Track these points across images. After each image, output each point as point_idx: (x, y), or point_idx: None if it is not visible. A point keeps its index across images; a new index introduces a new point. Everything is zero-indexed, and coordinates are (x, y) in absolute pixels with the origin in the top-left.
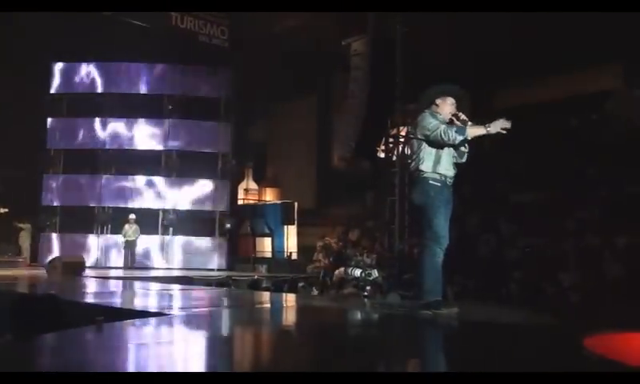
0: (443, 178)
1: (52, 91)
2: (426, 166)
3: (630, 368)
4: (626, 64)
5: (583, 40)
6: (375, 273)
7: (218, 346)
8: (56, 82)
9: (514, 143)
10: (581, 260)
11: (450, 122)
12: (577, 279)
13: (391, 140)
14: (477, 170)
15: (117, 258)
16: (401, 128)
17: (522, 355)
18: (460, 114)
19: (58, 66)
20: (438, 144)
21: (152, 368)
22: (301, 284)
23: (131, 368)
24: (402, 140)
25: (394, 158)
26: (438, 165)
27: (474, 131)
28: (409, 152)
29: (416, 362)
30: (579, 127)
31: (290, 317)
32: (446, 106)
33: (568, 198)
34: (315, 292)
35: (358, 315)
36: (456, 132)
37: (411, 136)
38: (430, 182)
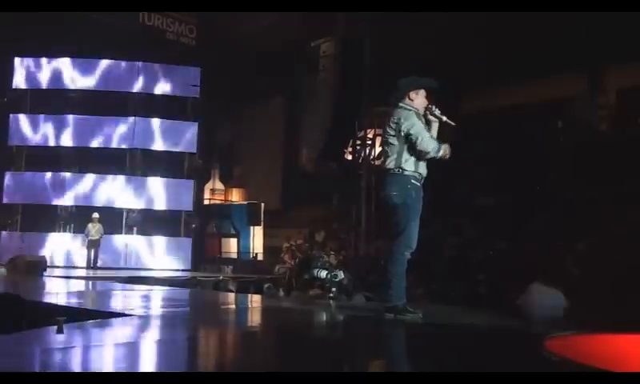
0: (421, 178)
1: (14, 87)
2: (409, 165)
3: (589, 368)
4: (590, 71)
5: (548, 46)
6: (341, 274)
7: (179, 348)
8: (18, 77)
9: (477, 147)
10: (543, 263)
11: (424, 116)
12: (540, 281)
13: (358, 142)
14: (440, 172)
15: (79, 258)
16: (368, 130)
17: (483, 356)
18: (433, 107)
19: (20, 61)
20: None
21: (109, 369)
22: (266, 285)
23: (90, 369)
24: (369, 142)
25: (361, 160)
26: (418, 163)
27: (445, 149)
28: (385, 148)
29: (379, 364)
30: (542, 132)
31: (253, 318)
32: (420, 99)
33: (530, 202)
34: (281, 293)
35: (323, 317)
36: (434, 149)
37: (392, 134)
38: (412, 181)
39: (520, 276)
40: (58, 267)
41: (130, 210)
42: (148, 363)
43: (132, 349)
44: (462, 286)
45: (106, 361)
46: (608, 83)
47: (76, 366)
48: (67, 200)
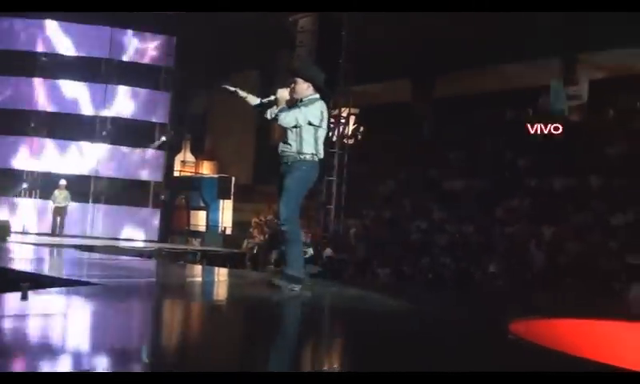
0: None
1: None
2: None
3: (552, 352)
4: (564, 60)
5: (523, 34)
6: (310, 251)
7: (139, 318)
8: None
9: (449, 132)
10: (508, 248)
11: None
12: (504, 266)
13: (332, 120)
14: (411, 156)
15: (45, 224)
16: (343, 108)
17: (453, 341)
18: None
19: None
20: None
21: (70, 337)
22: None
23: (51, 337)
24: (342, 120)
25: (335, 138)
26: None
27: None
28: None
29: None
30: (514, 119)
31: (214, 291)
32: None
33: (498, 188)
34: (248, 268)
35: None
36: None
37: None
38: None
39: (484, 260)
40: (22, 233)
41: (98, 178)
42: (108, 333)
43: (94, 317)
44: (428, 269)
45: (69, 329)
46: (580, 74)
47: (38, 333)
48: (34, 165)
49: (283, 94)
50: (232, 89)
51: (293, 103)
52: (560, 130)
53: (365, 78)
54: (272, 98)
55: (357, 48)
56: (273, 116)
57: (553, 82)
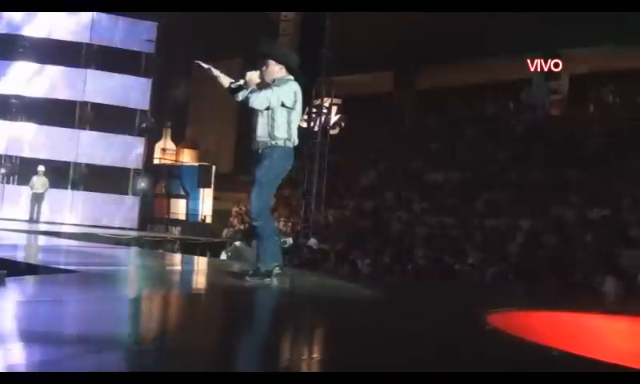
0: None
1: None
2: None
3: (529, 344)
4: (545, 55)
5: (506, 29)
6: (290, 240)
7: (117, 306)
8: None
9: (430, 123)
10: (487, 240)
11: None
12: (482, 258)
13: (314, 110)
14: (392, 147)
15: (22, 211)
16: (325, 98)
17: (425, 330)
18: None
19: None
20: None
21: (46, 325)
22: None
23: (28, 325)
24: (324, 110)
25: (317, 127)
26: None
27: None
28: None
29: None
30: (495, 113)
31: (188, 279)
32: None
33: (478, 180)
34: (225, 256)
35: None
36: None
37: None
38: None
39: (463, 252)
40: None
41: (77, 165)
42: (85, 321)
43: (71, 305)
44: (407, 259)
45: (45, 317)
46: (562, 68)
47: (14, 320)
48: (12, 150)
49: (252, 77)
50: (206, 66)
51: (264, 86)
52: None
53: (347, 69)
54: (241, 81)
55: (340, 38)
56: (243, 98)
57: (534, 76)
